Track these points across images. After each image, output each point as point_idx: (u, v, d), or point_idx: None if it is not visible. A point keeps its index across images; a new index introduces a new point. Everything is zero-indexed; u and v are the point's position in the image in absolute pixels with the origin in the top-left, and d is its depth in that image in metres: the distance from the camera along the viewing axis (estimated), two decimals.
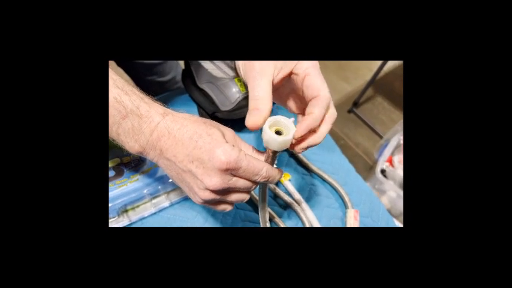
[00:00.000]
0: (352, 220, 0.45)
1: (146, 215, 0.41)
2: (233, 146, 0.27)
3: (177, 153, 0.26)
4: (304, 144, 0.29)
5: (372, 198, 0.50)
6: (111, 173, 0.41)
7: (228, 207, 0.31)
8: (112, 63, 0.65)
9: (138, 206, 0.41)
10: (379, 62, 1.39)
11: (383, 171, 1.07)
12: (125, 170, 0.41)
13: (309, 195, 0.48)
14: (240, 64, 0.31)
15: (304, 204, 0.46)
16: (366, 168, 1.37)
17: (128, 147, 0.28)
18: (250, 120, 0.28)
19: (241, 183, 0.28)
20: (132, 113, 0.26)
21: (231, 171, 0.26)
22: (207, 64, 0.47)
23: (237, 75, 0.46)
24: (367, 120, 1.51)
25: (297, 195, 0.47)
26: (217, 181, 0.26)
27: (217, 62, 0.47)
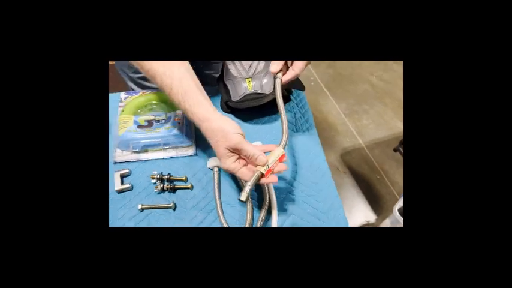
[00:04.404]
0: (275, 158, 0.44)
1: (158, 158, 0.58)
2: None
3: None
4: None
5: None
6: (145, 123, 0.59)
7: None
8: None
9: (154, 150, 0.59)
10: None
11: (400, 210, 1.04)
12: (154, 124, 0.59)
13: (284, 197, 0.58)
14: None
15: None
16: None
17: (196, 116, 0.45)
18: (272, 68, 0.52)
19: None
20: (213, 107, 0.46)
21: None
22: (231, 66, 0.63)
23: (248, 76, 0.61)
24: None
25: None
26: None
27: (238, 65, 0.62)
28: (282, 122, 0.47)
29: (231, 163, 0.43)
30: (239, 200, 0.41)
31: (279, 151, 0.43)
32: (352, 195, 1.36)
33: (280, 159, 0.44)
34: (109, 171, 0.55)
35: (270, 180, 0.43)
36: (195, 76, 0.49)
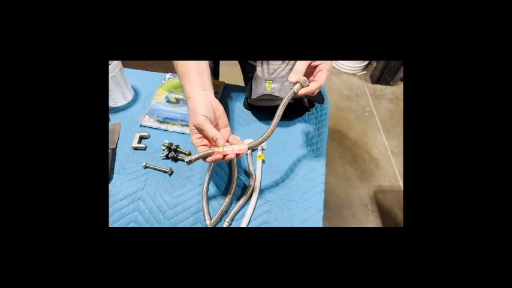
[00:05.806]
0: (234, 147, 0.46)
1: (175, 131, 0.66)
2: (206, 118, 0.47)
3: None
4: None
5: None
6: (174, 100, 0.69)
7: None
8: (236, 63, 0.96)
9: (173, 124, 0.67)
10: None
11: None
12: (181, 102, 0.68)
13: (266, 182, 0.60)
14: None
15: (256, 189, 0.58)
16: None
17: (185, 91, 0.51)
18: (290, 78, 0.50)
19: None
20: (205, 89, 0.50)
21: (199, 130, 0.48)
22: (258, 67, 0.69)
23: (270, 78, 0.66)
24: None
25: (258, 179, 0.59)
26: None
27: (265, 67, 0.68)
28: (269, 128, 0.47)
29: (195, 139, 0.48)
30: (185, 161, 0.45)
31: (243, 146, 0.46)
32: None
33: (239, 152, 0.46)
34: (133, 132, 0.66)
35: (214, 157, 0.46)
36: (204, 62, 0.53)
